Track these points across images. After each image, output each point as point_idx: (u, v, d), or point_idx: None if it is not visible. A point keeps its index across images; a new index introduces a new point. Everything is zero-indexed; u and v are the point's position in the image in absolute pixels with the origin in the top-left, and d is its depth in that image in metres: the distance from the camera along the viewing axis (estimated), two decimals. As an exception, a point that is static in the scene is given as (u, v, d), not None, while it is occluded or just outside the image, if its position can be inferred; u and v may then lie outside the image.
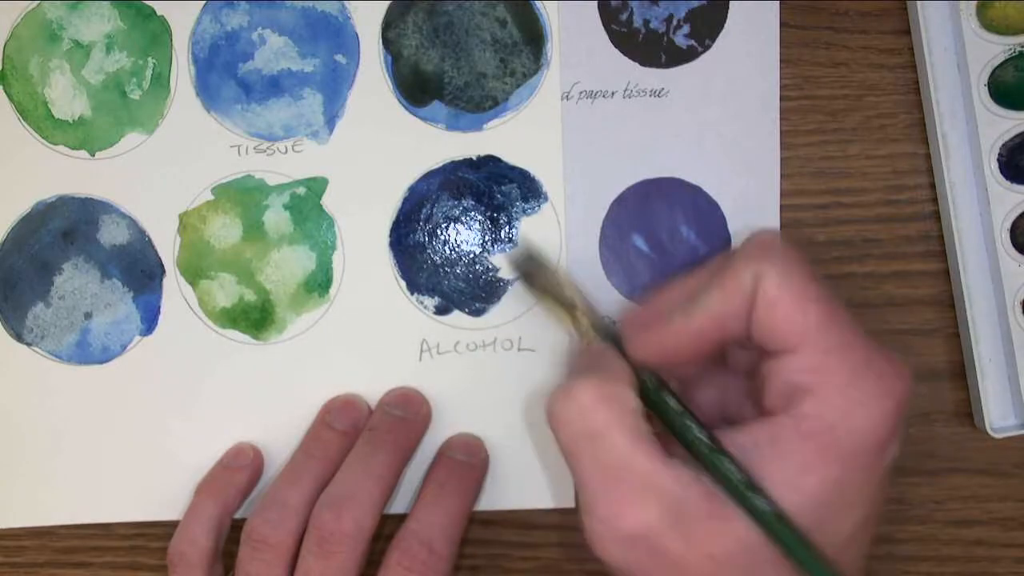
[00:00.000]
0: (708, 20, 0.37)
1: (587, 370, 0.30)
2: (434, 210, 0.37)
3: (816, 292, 0.28)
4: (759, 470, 0.27)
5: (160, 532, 0.38)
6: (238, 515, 0.36)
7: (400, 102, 0.37)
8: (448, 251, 0.37)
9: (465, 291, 0.37)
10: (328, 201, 0.37)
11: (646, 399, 0.30)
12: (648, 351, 0.30)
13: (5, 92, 0.38)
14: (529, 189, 0.37)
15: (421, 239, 0.37)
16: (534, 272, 0.35)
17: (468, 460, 0.36)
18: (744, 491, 0.27)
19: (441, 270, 0.37)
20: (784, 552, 0.26)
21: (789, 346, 0.28)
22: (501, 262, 0.37)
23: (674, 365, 0.31)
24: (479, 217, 0.37)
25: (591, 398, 0.28)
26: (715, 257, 0.34)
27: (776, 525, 0.26)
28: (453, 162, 0.37)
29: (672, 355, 0.30)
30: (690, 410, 0.29)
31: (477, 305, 0.37)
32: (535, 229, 0.37)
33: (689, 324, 0.29)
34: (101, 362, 0.37)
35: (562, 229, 0.37)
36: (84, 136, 0.37)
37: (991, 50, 0.36)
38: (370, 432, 0.35)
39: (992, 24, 0.36)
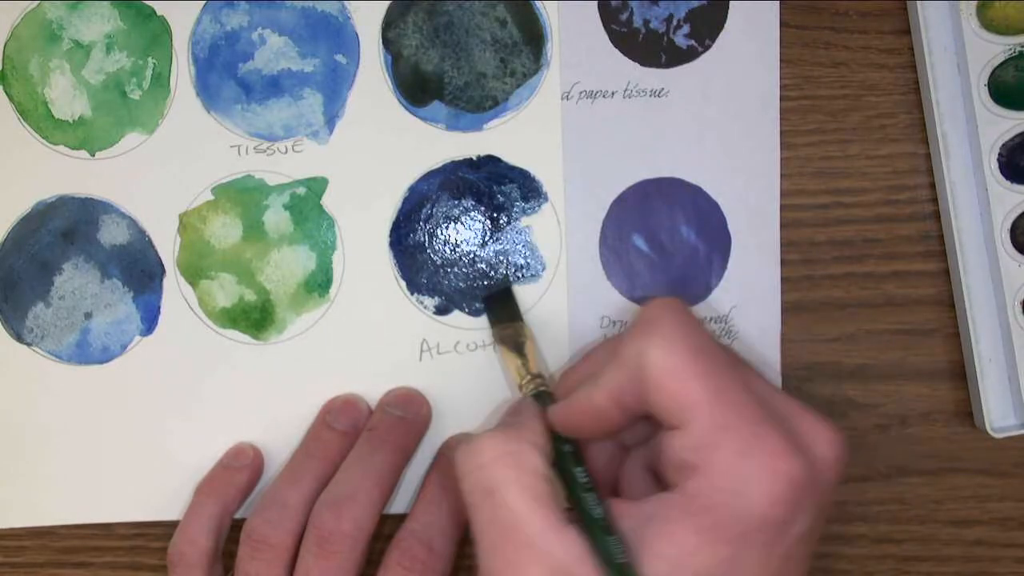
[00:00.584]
0: (708, 20, 0.37)
1: (504, 424, 0.30)
2: (434, 210, 0.37)
3: (704, 367, 0.27)
4: (649, 547, 0.26)
5: (160, 532, 0.38)
6: (238, 515, 0.36)
7: (400, 102, 0.37)
8: (448, 251, 0.37)
9: (465, 291, 0.37)
10: (328, 201, 0.37)
11: (556, 464, 0.30)
12: (559, 420, 0.31)
13: (5, 92, 0.38)
14: (529, 189, 0.37)
15: (421, 239, 0.37)
16: (502, 307, 0.36)
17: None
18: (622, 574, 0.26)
19: (441, 270, 0.37)
20: None
21: (678, 422, 0.27)
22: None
23: (586, 436, 0.31)
24: (479, 217, 0.37)
25: (493, 454, 0.28)
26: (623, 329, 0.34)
27: None
28: (453, 162, 0.37)
29: (579, 427, 0.30)
30: (594, 483, 0.29)
31: (477, 305, 0.37)
32: (535, 229, 0.37)
33: (591, 398, 0.29)
34: (101, 362, 0.37)
35: (562, 229, 0.37)
36: (84, 136, 0.37)
37: (991, 50, 0.36)
38: (370, 432, 0.35)
39: (992, 24, 0.36)
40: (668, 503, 0.27)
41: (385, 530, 0.35)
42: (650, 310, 0.29)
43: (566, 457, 0.30)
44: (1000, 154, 0.36)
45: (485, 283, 0.37)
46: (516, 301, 0.37)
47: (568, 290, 0.37)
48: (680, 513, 0.26)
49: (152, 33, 0.37)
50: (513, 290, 0.37)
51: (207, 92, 0.37)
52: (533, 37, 0.37)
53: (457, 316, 0.37)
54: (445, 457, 0.36)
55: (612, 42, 0.37)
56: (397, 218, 0.37)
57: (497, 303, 0.36)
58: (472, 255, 0.37)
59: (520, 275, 0.37)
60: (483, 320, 0.37)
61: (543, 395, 0.33)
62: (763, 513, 0.26)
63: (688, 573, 0.26)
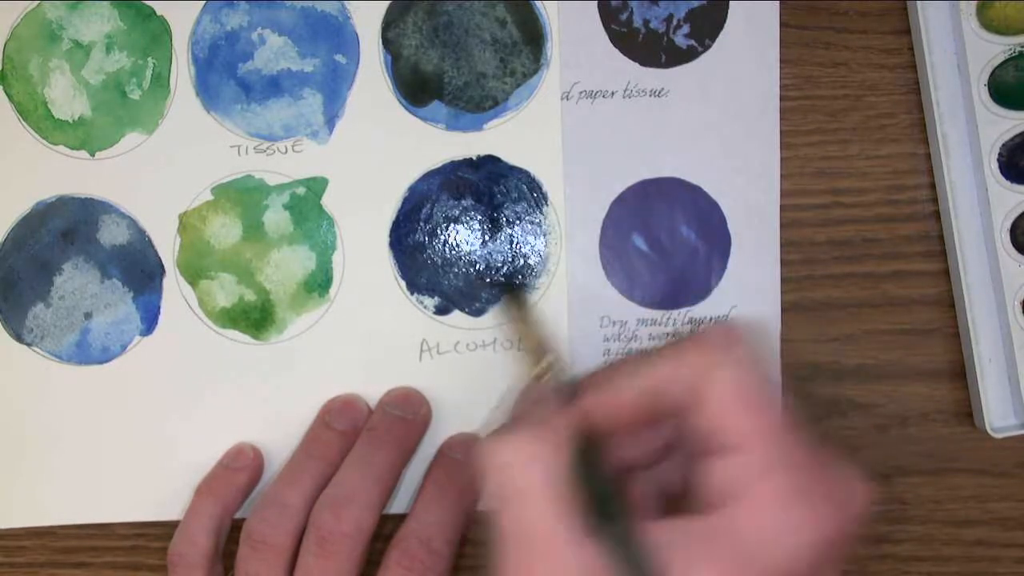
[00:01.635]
0: (708, 20, 0.37)
1: (525, 419, 0.29)
2: (434, 210, 0.37)
3: (767, 400, 0.27)
4: (675, 567, 0.25)
5: (160, 532, 0.38)
6: (238, 515, 0.36)
7: (400, 102, 0.37)
8: (448, 251, 0.37)
9: (465, 291, 0.37)
10: (328, 201, 0.37)
11: (580, 466, 0.29)
12: (596, 409, 0.30)
13: (5, 92, 0.38)
14: (529, 189, 0.37)
15: (421, 239, 0.37)
16: (520, 300, 0.35)
17: (468, 460, 0.36)
18: None
19: (441, 270, 0.37)
20: None
21: (730, 447, 0.27)
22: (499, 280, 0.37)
23: (609, 424, 0.30)
24: (479, 217, 0.37)
25: (518, 455, 0.27)
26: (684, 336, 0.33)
27: None
28: (453, 162, 0.37)
29: (615, 420, 0.29)
30: (620, 490, 0.28)
31: (477, 305, 0.37)
32: (535, 229, 0.37)
33: (632, 382, 0.28)
34: (101, 362, 0.37)
35: (562, 229, 0.37)
36: (84, 136, 0.37)
37: (991, 50, 0.36)
38: (370, 432, 0.35)
39: (992, 24, 0.36)
40: (700, 525, 0.26)
41: (385, 530, 0.35)
42: (723, 331, 0.29)
43: (593, 459, 0.29)
44: (1000, 154, 0.36)
45: (488, 280, 0.37)
46: (529, 300, 0.36)
47: (568, 290, 0.37)
48: (712, 538, 0.26)
49: (152, 33, 0.37)
50: (528, 284, 0.37)
51: (207, 92, 0.37)
52: (533, 37, 0.37)
53: (457, 316, 0.37)
54: (445, 457, 0.36)
55: (612, 42, 0.37)
56: (397, 218, 0.37)
57: (516, 296, 0.36)
58: (472, 255, 0.37)
59: (520, 275, 0.37)
60: (483, 320, 0.37)
61: (564, 387, 0.31)
62: (790, 559, 0.25)
63: None
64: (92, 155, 0.37)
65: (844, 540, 0.26)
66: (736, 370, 0.27)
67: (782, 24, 0.37)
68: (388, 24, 0.37)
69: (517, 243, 0.37)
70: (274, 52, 0.37)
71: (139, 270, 0.37)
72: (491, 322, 0.37)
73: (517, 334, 0.35)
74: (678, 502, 0.31)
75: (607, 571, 0.26)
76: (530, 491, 0.27)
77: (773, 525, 0.26)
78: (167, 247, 0.37)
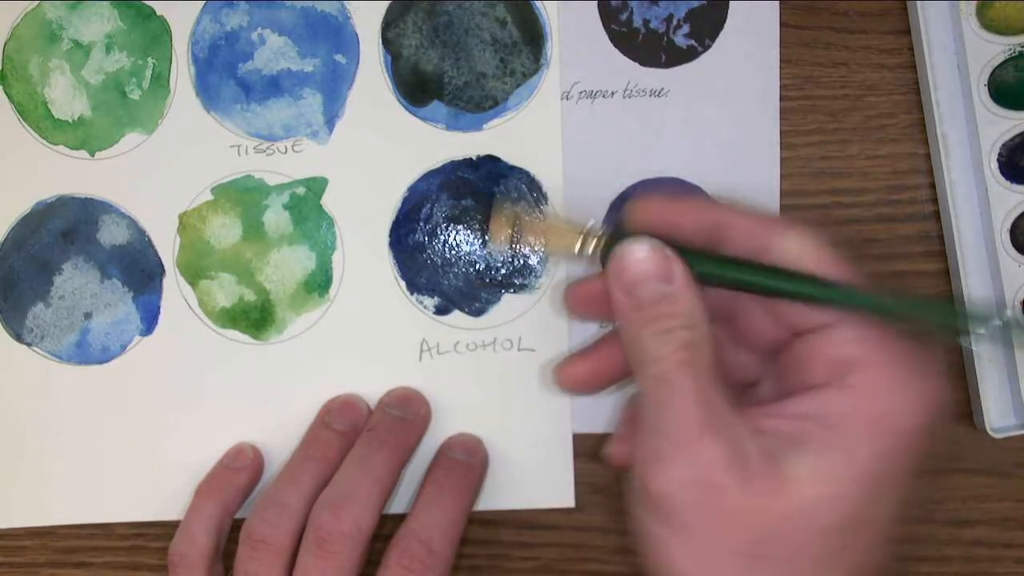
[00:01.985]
0: (708, 20, 0.37)
1: (647, 294, 0.28)
2: (434, 210, 0.37)
3: (860, 274, 0.28)
4: (812, 443, 0.26)
5: (160, 532, 0.38)
6: (238, 515, 0.36)
7: (400, 102, 0.37)
8: (448, 251, 0.37)
9: (465, 291, 0.37)
10: (328, 201, 0.37)
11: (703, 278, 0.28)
12: (651, 214, 0.30)
13: (5, 92, 0.38)
14: (529, 189, 0.37)
15: (421, 239, 0.37)
16: (525, 218, 0.33)
17: (468, 460, 0.36)
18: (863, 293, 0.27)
19: (441, 270, 0.37)
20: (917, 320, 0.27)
21: (833, 318, 0.27)
22: (493, 232, 0.34)
23: (668, 230, 0.29)
24: (479, 217, 0.37)
25: (670, 350, 0.27)
26: None
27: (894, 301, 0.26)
28: (453, 162, 0.37)
29: (670, 219, 0.30)
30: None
31: (477, 305, 0.37)
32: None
33: (712, 206, 0.29)
34: (101, 362, 0.37)
35: (562, 229, 0.37)
36: (84, 136, 0.37)
37: (991, 50, 0.36)
38: (369, 432, 0.35)
39: (992, 24, 0.36)
40: (826, 396, 0.27)
41: (385, 530, 0.35)
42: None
43: (717, 258, 0.29)
44: (1000, 154, 0.36)
45: (489, 277, 0.37)
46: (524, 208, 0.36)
47: (568, 290, 0.37)
48: (842, 406, 0.27)
49: (152, 33, 0.37)
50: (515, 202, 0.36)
51: (207, 92, 0.37)
52: (533, 37, 0.37)
53: (457, 316, 0.37)
54: (445, 457, 0.36)
55: (612, 42, 0.37)
56: (397, 218, 0.37)
57: (506, 208, 0.35)
58: (472, 255, 0.37)
59: (520, 275, 0.37)
60: (483, 320, 0.37)
61: (621, 232, 0.30)
62: (914, 412, 0.26)
63: (854, 467, 0.26)
64: (92, 155, 0.37)
65: (930, 431, 0.27)
66: (833, 246, 0.28)
67: (782, 24, 0.37)
68: (388, 24, 0.37)
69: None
70: (274, 52, 0.37)
71: (139, 270, 0.37)
72: (491, 322, 0.37)
73: (533, 234, 0.33)
74: (746, 392, 0.31)
75: (758, 439, 0.26)
76: (681, 383, 0.27)
77: (892, 378, 0.27)
78: (167, 247, 0.37)
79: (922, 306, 0.29)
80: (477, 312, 0.37)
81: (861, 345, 0.27)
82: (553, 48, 0.37)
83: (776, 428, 0.27)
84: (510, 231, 0.33)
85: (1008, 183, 0.36)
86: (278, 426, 0.37)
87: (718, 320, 0.30)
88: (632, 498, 0.28)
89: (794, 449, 0.26)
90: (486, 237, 0.37)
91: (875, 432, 0.26)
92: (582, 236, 0.30)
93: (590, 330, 0.37)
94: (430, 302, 0.37)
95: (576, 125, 0.37)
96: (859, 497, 0.26)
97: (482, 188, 0.37)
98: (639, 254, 0.28)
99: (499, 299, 0.37)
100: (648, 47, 0.37)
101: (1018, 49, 0.36)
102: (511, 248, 0.34)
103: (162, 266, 0.37)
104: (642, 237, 0.28)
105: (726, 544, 0.26)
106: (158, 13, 0.37)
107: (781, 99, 0.37)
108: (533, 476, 0.37)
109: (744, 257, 0.28)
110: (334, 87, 0.37)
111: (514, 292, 0.37)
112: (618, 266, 0.28)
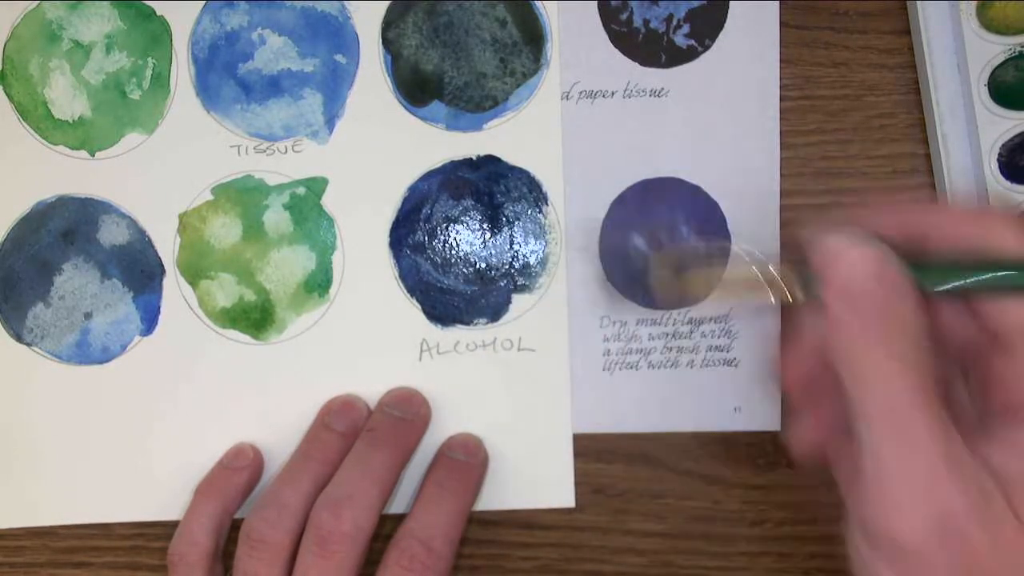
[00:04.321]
0: (708, 20, 0.37)
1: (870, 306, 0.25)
2: (434, 210, 0.37)
3: None
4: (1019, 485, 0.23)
5: (160, 532, 0.38)
6: (238, 515, 0.36)
7: (400, 102, 0.37)
8: (448, 251, 0.37)
9: (465, 291, 0.37)
10: (328, 201, 0.37)
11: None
12: (889, 221, 0.26)
13: (5, 92, 0.38)
14: (529, 189, 0.37)
15: (421, 239, 0.37)
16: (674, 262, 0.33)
17: (468, 460, 0.36)
18: None
19: (441, 270, 0.37)
20: None
21: None
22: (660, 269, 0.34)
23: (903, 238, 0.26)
24: (479, 217, 0.37)
25: (892, 379, 0.24)
26: None
27: None
28: (453, 162, 0.37)
29: (908, 226, 0.26)
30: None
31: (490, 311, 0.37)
32: (535, 229, 0.37)
33: (906, 207, 0.26)
34: (101, 362, 0.37)
35: (562, 229, 0.37)
36: (84, 136, 0.37)
37: (991, 50, 0.36)
38: (369, 433, 0.35)
39: (992, 24, 0.36)
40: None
41: (385, 530, 0.35)
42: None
43: (939, 267, 0.25)
44: (1000, 154, 0.36)
45: (489, 277, 0.37)
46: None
47: (568, 290, 0.37)
48: None
49: (152, 33, 0.37)
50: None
51: (207, 92, 0.37)
52: (533, 37, 0.37)
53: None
54: (445, 457, 0.36)
55: (612, 42, 0.37)
56: (397, 218, 0.37)
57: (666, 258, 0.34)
58: (472, 255, 0.37)
59: (520, 275, 0.37)
60: (483, 320, 0.37)
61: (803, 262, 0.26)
62: None
63: None
64: (92, 155, 0.37)
65: None
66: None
67: (782, 24, 0.37)
68: (388, 24, 0.37)
69: (517, 243, 0.37)
70: (274, 52, 0.37)
71: (139, 270, 0.37)
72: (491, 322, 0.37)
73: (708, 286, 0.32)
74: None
75: (995, 479, 0.24)
76: (912, 411, 0.24)
77: None
78: (167, 247, 0.37)
79: None
80: (493, 316, 0.37)
81: None
82: (553, 48, 0.37)
83: (1004, 465, 0.24)
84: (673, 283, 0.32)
85: (1008, 183, 0.36)
86: (278, 426, 0.37)
87: None
88: (850, 530, 0.26)
89: None
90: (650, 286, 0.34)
91: None
92: (770, 282, 0.28)
93: (590, 329, 0.37)
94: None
95: (576, 125, 0.37)
96: None
97: (482, 188, 0.37)
98: (862, 254, 0.24)
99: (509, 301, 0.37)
100: (648, 47, 0.37)
101: (1018, 49, 0.36)
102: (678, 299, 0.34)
103: (162, 266, 0.37)
104: (859, 234, 0.25)
105: None
106: (158, 13, 0.37)
107: (781, 99, 0.37)
108: (533, 476, 0.37)
109: (966, 257, 0.25)
110: (334, 87, 0.37)
111: (515, 291, 0.37)
112: (833, 271, 0.25)
